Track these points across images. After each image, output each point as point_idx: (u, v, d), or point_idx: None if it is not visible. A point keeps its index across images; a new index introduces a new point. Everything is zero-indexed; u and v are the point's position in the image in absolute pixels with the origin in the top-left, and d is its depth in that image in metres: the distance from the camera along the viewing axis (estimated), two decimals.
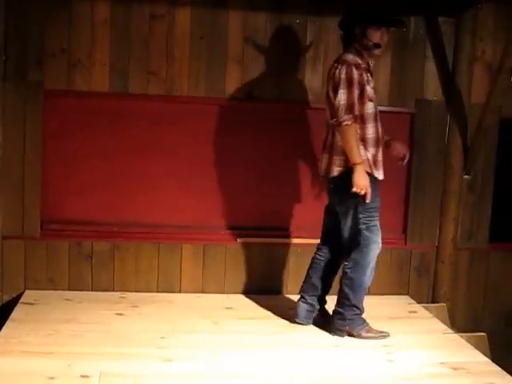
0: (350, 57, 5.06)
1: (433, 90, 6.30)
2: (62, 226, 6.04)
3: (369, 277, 5.26)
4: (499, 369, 4.80)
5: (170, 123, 6.07)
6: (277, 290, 6.25)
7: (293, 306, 5.77)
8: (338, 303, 5.29)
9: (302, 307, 5.50)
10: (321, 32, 6.10)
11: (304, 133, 6.18)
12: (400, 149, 5.48)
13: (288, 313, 5.70)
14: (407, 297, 6.37)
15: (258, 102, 6.11)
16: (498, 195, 6.50)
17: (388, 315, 5.54)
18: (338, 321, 5.28)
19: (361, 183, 4.95)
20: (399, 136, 5.76)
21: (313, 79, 6.14)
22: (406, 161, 5.52)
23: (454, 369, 4.78)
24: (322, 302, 5.56)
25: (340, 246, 5.35)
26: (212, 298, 6.10)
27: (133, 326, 5.31)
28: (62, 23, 5.82)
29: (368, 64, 5.15)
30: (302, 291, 5.54)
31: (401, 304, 6.11)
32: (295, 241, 6.27)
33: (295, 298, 6.01)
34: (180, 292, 6.18)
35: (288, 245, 6.26)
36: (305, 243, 6.22)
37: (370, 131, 5.09)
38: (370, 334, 5.26)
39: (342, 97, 4.96)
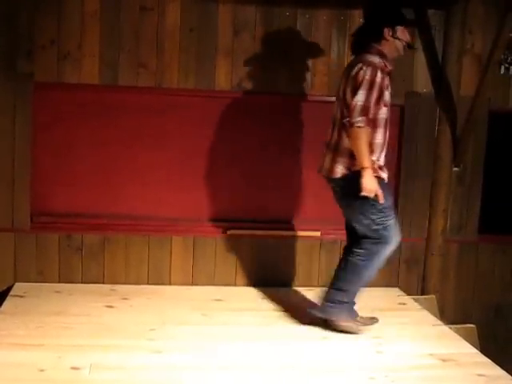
0: (377, 59, 4.96)
1: (422, 82, 6.31)
2: (51, 219, 6.04)
3: (374, 271, 5.18)
4: (488, 360, 4.82)
5: (159, 115, 6.07)
6: (266, 282, 6.24)
7: (282, 297, 5.82)
8: (332, 286, 5.17)
9: None
10: (311, 24, 6.11)
11: (294, 125, 6.19)
12: None
13: (277, 304, 5.73)
14: (397, 289, 6.39)
15: (248, 94, 6.11)
16: (487, 187, 6.52)
17: (377, 307, 5.55)
18: (328, 303, 5.16)
19: (370, 187, 4.83)
20: (389, 129, 5.76)
21: (302, 71, 6.14)
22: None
23: (443, 360, 4.80)
24: None
25: None
26: (202, 290, 6.11)
27: (123, 318, 5.32)
28: (51, 15, 5.81)
29: (390, 67, 5.05)
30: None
31: (390, 296, 6.13)
32: (285, 233, 6.27)
33: (285, 289, 6.06)
34: (170, 284, 6.18)
35: (277, 237, 6.26)
36: (294, 235, 6.26)
37: (379, 137, 4.98)
38: (348, 324, 5.20)
39: (360, 98, 4.83)
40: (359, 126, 4.82)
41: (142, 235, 6.13)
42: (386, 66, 4.99)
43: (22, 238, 5.97)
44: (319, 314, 5.22)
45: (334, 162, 5.07)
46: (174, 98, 6.06)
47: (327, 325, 5.23)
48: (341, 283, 5.16)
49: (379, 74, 4.87)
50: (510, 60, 6.20)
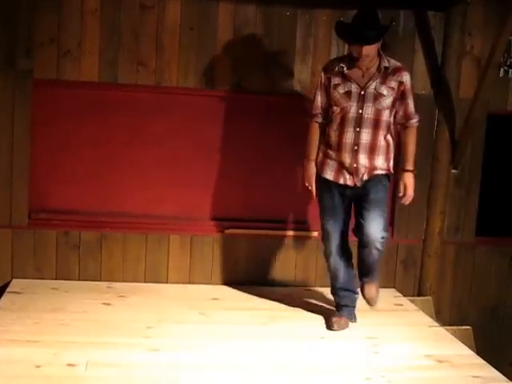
0: (330, 60, 5.42)
1: (421, 84, 6.31)
2: (49, 216, 6.04)
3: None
4: (484, 362, 4.84)
5: (158, 114, 6.07)
6: (263, 281, 6.25)
7: (279, 297, 5.82)
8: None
9: None
10: (311, 24, 6.12)
11: (292, 125, 6.17)
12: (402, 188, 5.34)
13: (274, 304, 5.74)
14: (393, 290, 6.40)
15: (247, 93, 6.12)
16: (484, 189, 6.53)
17: (374, 308, 5.56)
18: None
19: (304, 178, 5.34)
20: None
21: (302, 71, 6.15)
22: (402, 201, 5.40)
23: (439, 361, 4.81)
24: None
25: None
26: (199, 289, 6.11)
27: (120, 316, 5.33)
28: (51, 12, 5.81)
29: (342, 68, 5.12)
30: None
31: (387, 297, 6.12)
32: (282, 233, 6.28)
33: (282, 289, 6.06)
34: (167, 282, 6.19)
35: (275, 236, 6.27)
36: (292, 235, 6.27)
37: (332, 134, 5.18)
38: None
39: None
40: (307, 122, 5.34)
41: (140, 233, 6.13)
42: (334, 66, 5.19)
43: (20, 234, 5.97)
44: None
45: None
46: (173, 96, 6.06)
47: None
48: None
49: (322, 75, 5.24)
50: (509, 63, 6.19)
